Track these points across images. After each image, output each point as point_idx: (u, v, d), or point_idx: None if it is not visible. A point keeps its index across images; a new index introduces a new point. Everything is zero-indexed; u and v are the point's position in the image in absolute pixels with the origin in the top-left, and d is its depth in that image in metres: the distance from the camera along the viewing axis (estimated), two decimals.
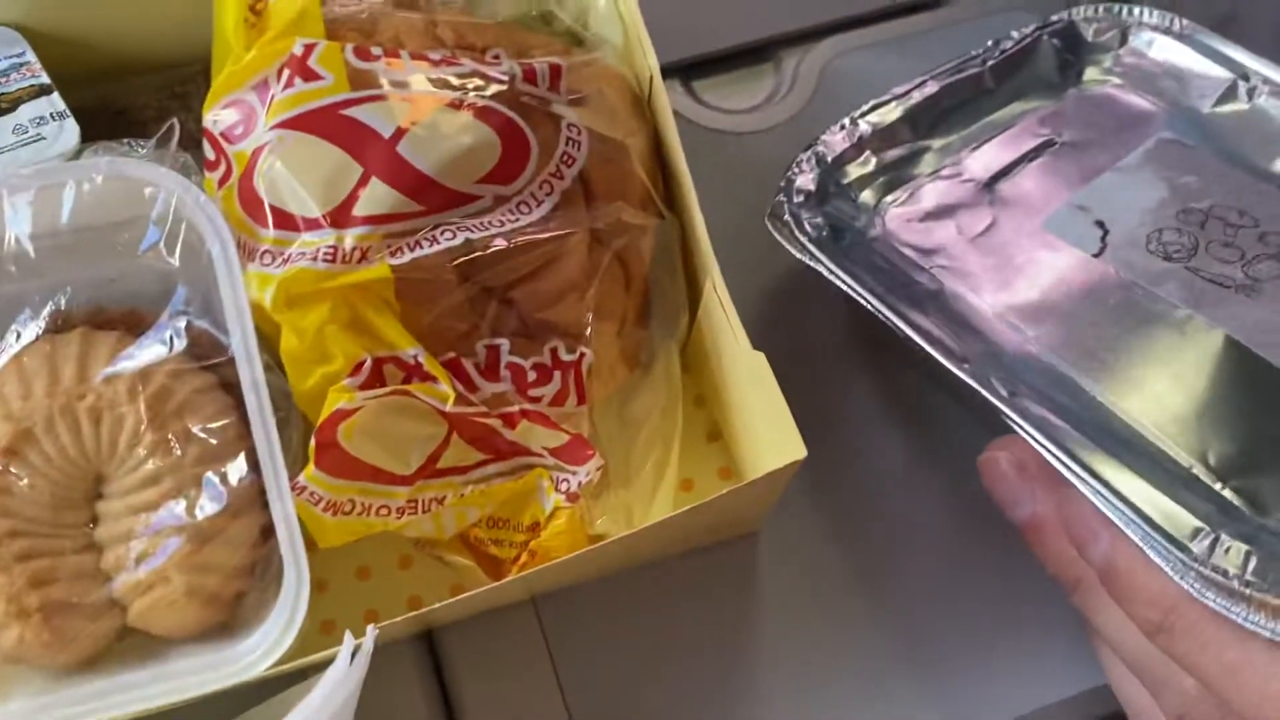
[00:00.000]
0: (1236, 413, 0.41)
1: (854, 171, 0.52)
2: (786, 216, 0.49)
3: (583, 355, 0.44)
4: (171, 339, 0.42)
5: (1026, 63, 0.54)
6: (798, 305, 0.54)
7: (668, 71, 0.59)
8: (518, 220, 0.43)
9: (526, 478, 0.44)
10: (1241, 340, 0.42)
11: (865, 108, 0.52)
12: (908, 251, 0.49)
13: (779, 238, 0.49)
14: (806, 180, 0.50)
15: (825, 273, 0.47)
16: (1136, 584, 0.37)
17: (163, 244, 0.42)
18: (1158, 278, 0.44)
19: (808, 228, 0.49)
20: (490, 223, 0.42)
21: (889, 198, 0.51)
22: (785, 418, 0.41)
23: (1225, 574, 0.35)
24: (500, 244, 0.42)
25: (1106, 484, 0.38)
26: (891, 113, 0.52)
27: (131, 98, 0.52)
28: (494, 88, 0.43)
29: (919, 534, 0.50)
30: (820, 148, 0.51)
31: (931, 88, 0.53)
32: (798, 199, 0.50)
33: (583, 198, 0.45)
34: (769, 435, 0.43)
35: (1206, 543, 0.36)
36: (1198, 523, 0.37)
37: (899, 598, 0.49)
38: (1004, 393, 0.42)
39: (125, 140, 0.44)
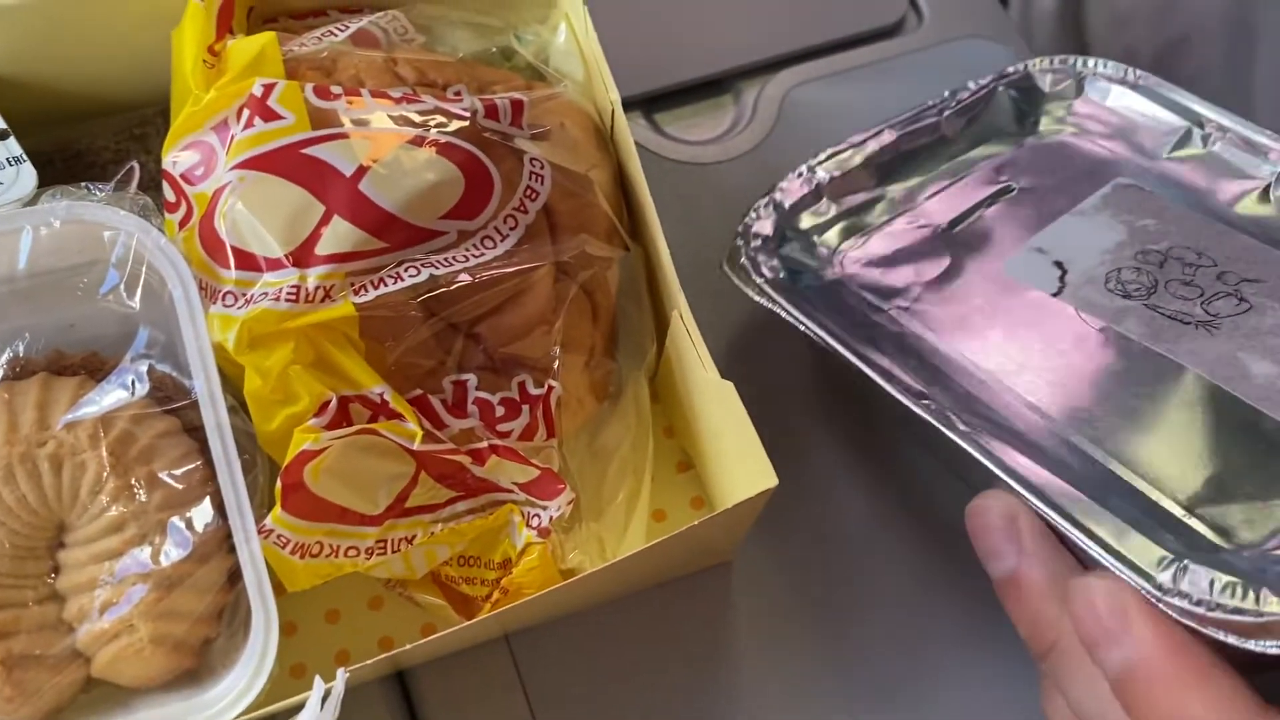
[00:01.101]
0: (1201, 444, 0.41)
1: (811, 218, 0.52)
2: (743, 260, 0.49)
3: (551, 388, 0.44)
4: (133, 383, 0.41)
5: (983, 112, 0.55)
6: (765, 334, 0.55)
7: (629, 104, 0.60)
8: (482, 255, 0.43)
9: (497, 514, 0.44)
10: (1205, 374, 0.42)
11: (823, 155, 0.53)
12: (866, 294, 0.49)
13: (736, 281, 0.49)
14: (764, 226, 0.51)
15: (783, 314, 0.47)
16: None
17: (123, 287, 0.42)
18: (1117, 315, 0.45)
19: (765, 271, 0.49)
20: (455, 258, 0.42)
21: (847, 243, 0.52)
22: (755, 446, 0.41)
23: (1191, 598, 0.35)
24: (465, 279, 0.42)
25: (1070, 518, 0.39)
26: (850, 160, 0.53)
27: (89, 140, 0.52)
28: (456, 124, 0.43)
29: (888, 564, 0.50)
30: (778, 194, 0.52)
31: (889, 136, 0.53)
32: (755, 243, 0.50)
33: (547, 231, 0.45)
34: (739, 464, 0.43)
35: (1171, 571, 0.36)
36: (1163, 552, 0.37)
37: (868, 628, 0.48)
38: (963, 429, 0.42)
39: (83, 183, 0.43)
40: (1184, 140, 0.52)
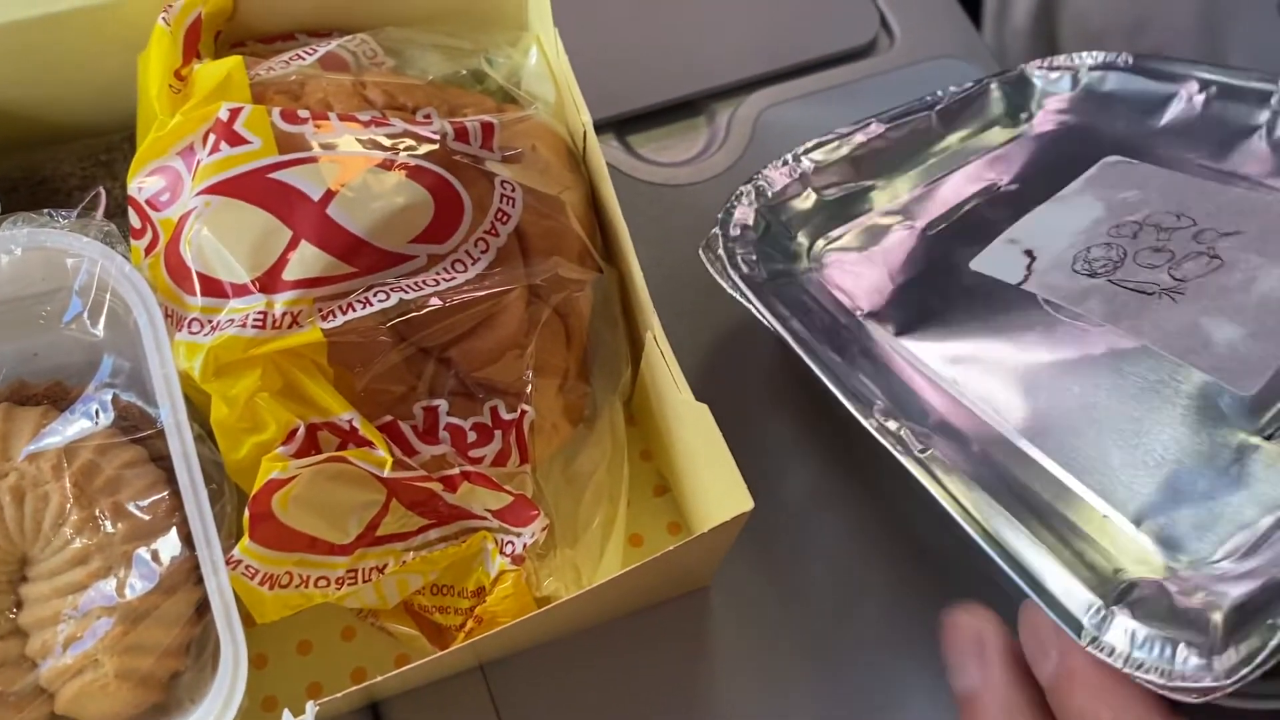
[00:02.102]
0: (1154, 440, 0.40)
1: (793, 207, 0.52)
2: (720, 250, 0.49)
3: (524, 413, 0.43)
4: (98, 412, 0.41)
5: (974, 108, 0.55)
6: (741, 352, 0.54)
7: (603, 127, 0.60)
8: (453, 279, 0.42)
9: (470, 541, 0.43)
10: (1163, 350, 0.41)
11: (809, 145, 0.53)
12: (838, 294, 0.49)
13: (711, 271, 0.49)
14: (745, 213, 0.50)
15: (754, 311, 0.47)
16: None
17: (86, 315, 0.41)
18: (1079, 296, 0.44)
19: (741, 264, 0.49)
20: (425, 282, 0.42)
21: (825, 237, 0.51)
22: (730, 469, 0.41)
23: (1112, 651, 0.35)
24: (435, 303, 0.41)
25: (1008, 554, 0.38)
26: (835, 151, 0.53)
27: (55, 166, 0.51)
28: (425, 147, 0.43)
29: (866, 586, 0.49)
30: (761, 182, 0.51)
31: (876, 129, 0.53)
32: (734, 232, 0.50)
33: (519, 254, 0.44)
34: (715, 487, 0.43)
35: (1098, 619, 0.36)
36: (1092, 598, 0.36)
37: (847, 649, 0.48)
38: (916, 448, 0.41)
39: (46, 210, 0.43)
40: (1179, 104, 0.52)
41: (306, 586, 0.41)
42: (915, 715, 0.47)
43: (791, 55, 0.62)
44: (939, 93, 0.54)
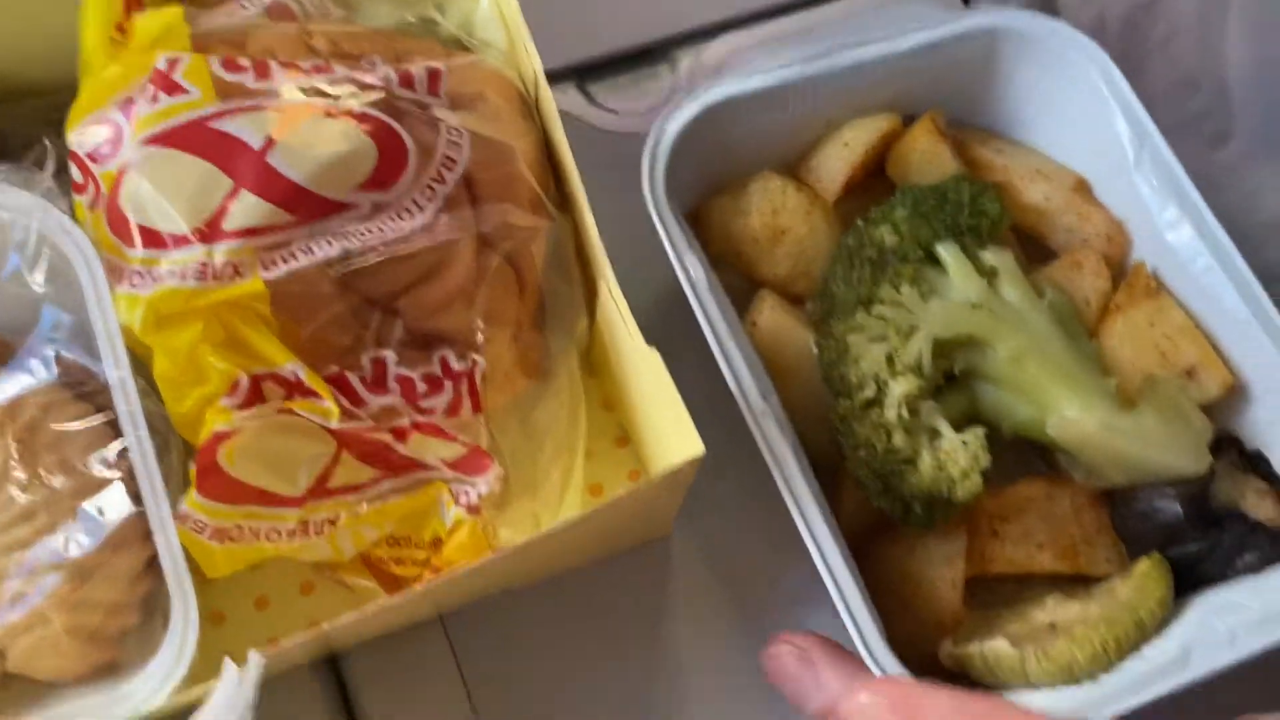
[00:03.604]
0: None
1: None
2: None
3: (475, 363, 0.43)
4: (40, 368, 0.40)
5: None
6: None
7: (562, 75, 0.59)
8: (399, 227, 0.41)
9: (424, 492, 0.43)
10: None
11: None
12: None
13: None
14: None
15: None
16: None
17: (25, 270, 0.40)
18: None
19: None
20: (369, 230, 0.41)
21: None
22: (682, 415, 0.40)
23: None
24: (380, 252, 0.41)
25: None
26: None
27: (4, 124, 0.50)
28: (368, 94, 0.42)
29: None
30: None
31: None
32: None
33: (468, 202, 0.44)
34: (669, 434, 0.42)
35: None
36: None
37: (810, 591, 0.47)
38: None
39: None
40: None
41: (257, 539, 0.41)
42: None
43: None
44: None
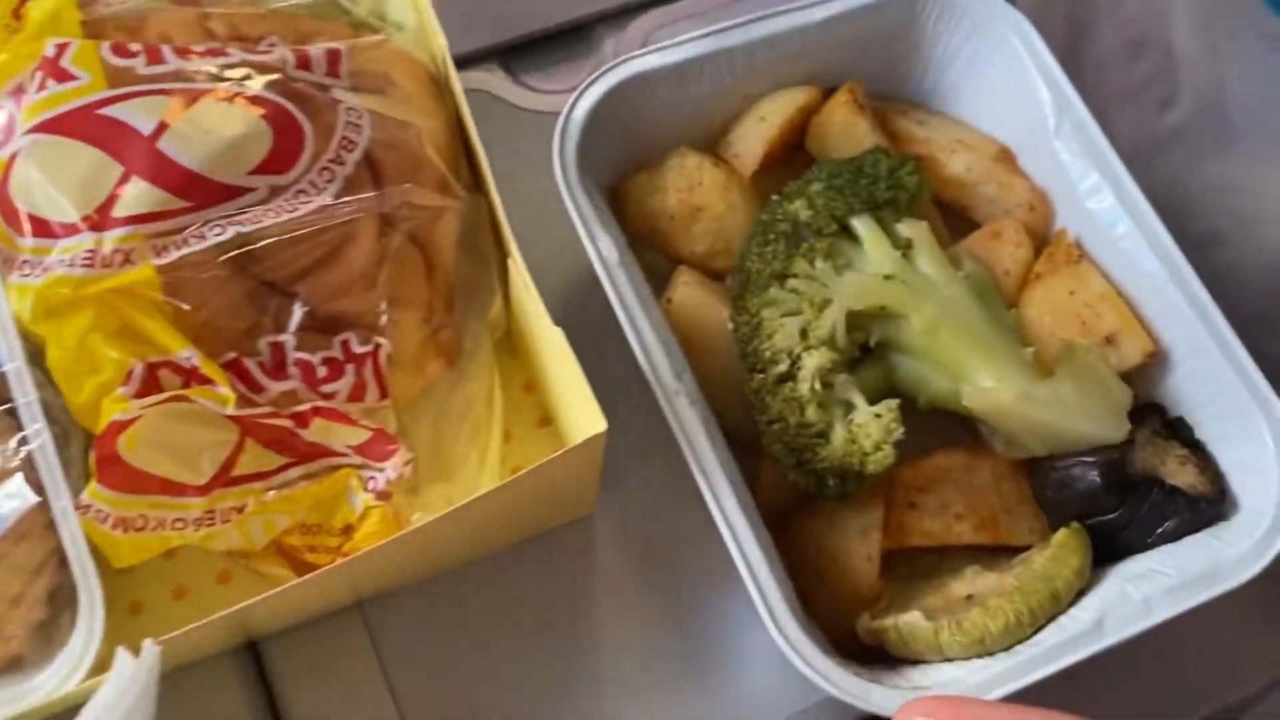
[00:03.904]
0: None
1: None
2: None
3: (378, 345, 0.42)
4: None
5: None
6: None
7: (488, 55, 0.58)
8: (295, 210, 0.41)
9: (333, 478, 0.43)
10: None
11: None
12: None
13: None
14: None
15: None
16: None
17: None
18: None
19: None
20: (265, 214, 0.40)
21: None
22: (585, 392, 0.40)
23: None
24: (277, 235, 0.40)
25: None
26: None
27: None
28: (264, 76, 0.42)
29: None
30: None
31: None
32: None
33: (370, 183, 0.43)
34: (578, 412, 0.42)
35: None
36: None
37: (732, 568, 0.47)
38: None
39: None
40: None
41: (162, 529, 0.41)
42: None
43: None
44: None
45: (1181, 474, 0.45)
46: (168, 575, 0.46)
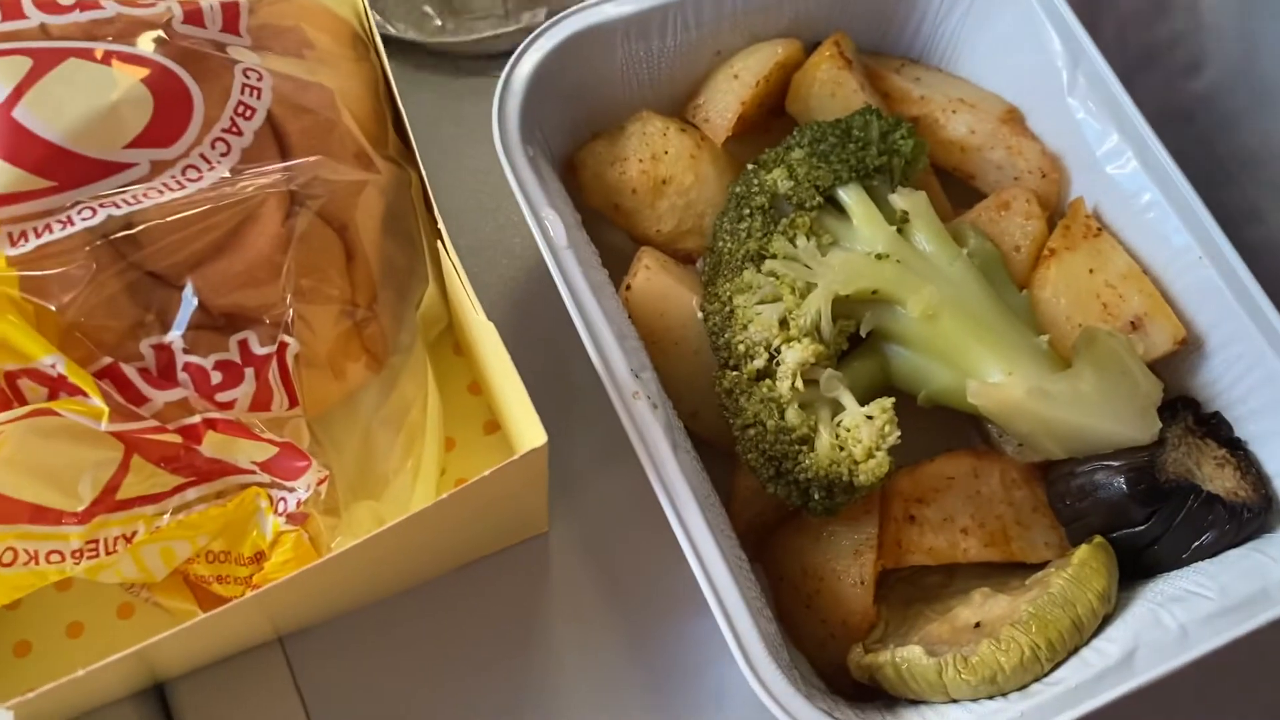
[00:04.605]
0: None
1: None
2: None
3: (284, 346, 0.36)
4: None
5: None
6: None
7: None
8: (183, 188, 0.35)
9: (240, 499, 0.37)
10: None
11: None
12: None
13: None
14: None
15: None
16: None
17: None
18: None
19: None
20: (145, 194, 0.35)
21: None
22: (523, 398, 0.34)
23: None
24: (159, 218, 0.34)
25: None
26: None
27: None
28: (146, 33, 0.36)
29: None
30: None
31: None
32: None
33: (277, 155, 0.37)
34: (517, 418, 0.36)
35: None
36: None
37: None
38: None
39: None
40: None
41: (36, 563, 0.35)
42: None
43: None
44: None
45: (1220, 478, 0.39)
46: (60, 610, 0.41)
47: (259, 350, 0.36)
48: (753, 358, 0.39)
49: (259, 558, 0.38)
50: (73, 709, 0.38)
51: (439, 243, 0.38)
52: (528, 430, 0.34)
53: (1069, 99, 0.44)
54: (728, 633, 0.35)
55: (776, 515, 0.41)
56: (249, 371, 0.36)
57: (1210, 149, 0.51)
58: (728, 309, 0.40)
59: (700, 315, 0.41)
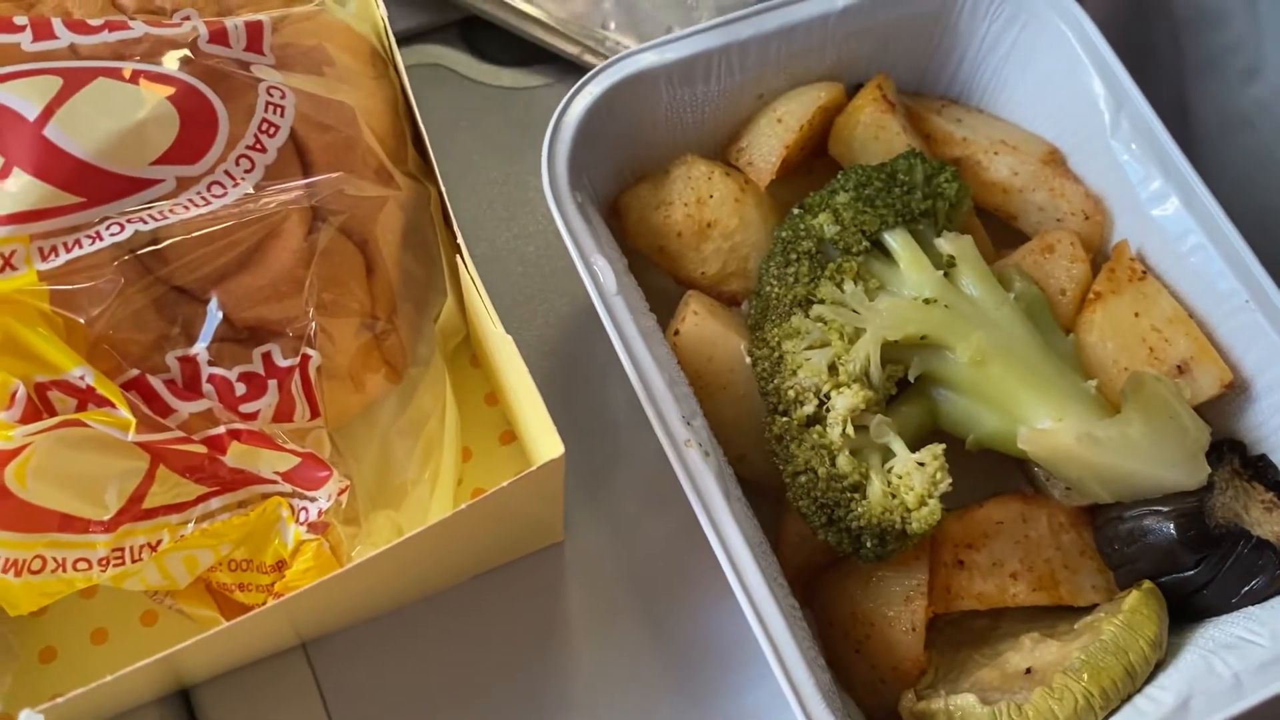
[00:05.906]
0: None
1: None
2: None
3: (307, 358, 0.37)
4: None
5: None
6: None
7: (446, 27, 0.53)
8: (209, 204, 0.36)
9: (262, 509, 0.38)
10: None
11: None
12: None
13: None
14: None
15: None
16: None
17: None
18: None
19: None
20: (171, 210, 0.35)
21: None
22: (540, 410, 0.35)
23: None
24: (185, 234, 0.35)
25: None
26: None
27: None
28: (171, 53, 0.37)
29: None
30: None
31: None
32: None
33: (299, 171, 0.38)
34: (535, 430, 0.37)
35: None
36: None
37: (723, 594, 0.42)
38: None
39: None
40: None
41: (64, 571, 0.36)
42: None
43: None
44: None
45: (1269, 522, 0.39)
46: (85, 617, 0.42)
47: (282, 362, 0.37)
48: (803, 403, 0.39)
49: (280, 566, 0.38)
50: (100, 712, 0.38)
51: (457, 256, 0.39)
52: (545, 441, 0.35)
53: (1112, 141, 0.43)
54: (786, 688, 0.35)
55: (825, 559, 0.41)
56: (272, 383, 0.37)
57: (1271, 156, 0.50)
58: (777, 354, 0.40)
59: (748, 360, 0.41)
